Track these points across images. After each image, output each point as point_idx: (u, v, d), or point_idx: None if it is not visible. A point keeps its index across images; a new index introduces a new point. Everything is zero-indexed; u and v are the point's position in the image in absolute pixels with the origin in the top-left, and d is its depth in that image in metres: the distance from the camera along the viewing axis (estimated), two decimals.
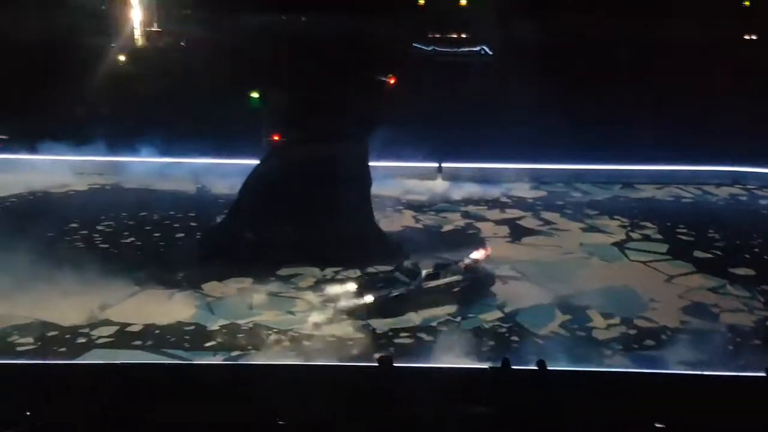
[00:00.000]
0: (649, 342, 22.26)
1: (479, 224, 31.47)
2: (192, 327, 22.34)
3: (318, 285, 25.07)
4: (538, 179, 36.59)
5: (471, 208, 33.30)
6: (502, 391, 16.14)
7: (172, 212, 31.59)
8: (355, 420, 15.11)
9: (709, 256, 28.58)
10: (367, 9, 40.85)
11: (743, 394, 17.19)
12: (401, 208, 33.06)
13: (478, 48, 45.77)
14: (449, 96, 38.48)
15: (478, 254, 25.11)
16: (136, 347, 21.26)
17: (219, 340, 21.76)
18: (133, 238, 28.92)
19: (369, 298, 23.28)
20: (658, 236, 30.46)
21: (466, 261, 24.76)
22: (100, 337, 21.68)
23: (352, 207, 27.10)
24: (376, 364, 17.12)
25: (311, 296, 24.34)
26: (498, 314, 23.65)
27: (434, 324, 22.93)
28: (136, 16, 37.86)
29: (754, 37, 50.21)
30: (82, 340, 21.49)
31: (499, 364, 16.85)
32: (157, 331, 22.02)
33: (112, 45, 37.91)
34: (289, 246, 25.92)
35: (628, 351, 21.71)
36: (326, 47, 40.57)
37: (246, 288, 24.75)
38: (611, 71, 41.57)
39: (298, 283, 25.18)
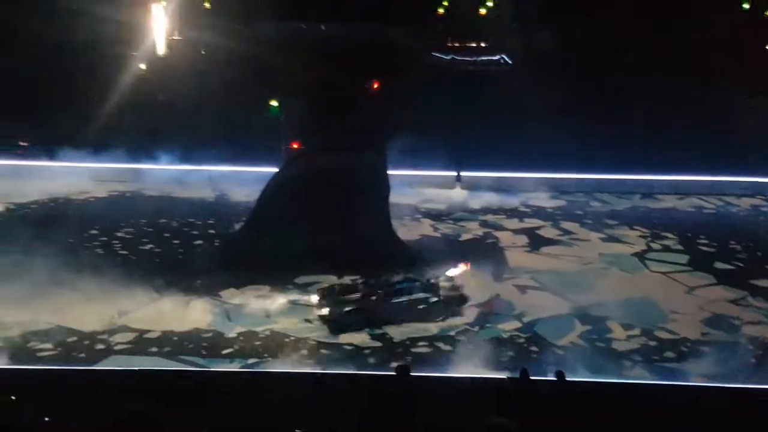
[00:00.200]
0: (669, 354, 22.02)
1: (498, 233, 31.32)
2: (209, 334, 22.35)
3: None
4: (557, 188, 36.38)
5: (489, 217, 33.17)
6: (520, 401, 16.02)
7: (191, 219, 31.68)
8: (372, 429, 15.04)
9: (731, 267, 28.28)
10: (386, 18, 40.92)
11: (765, 407, 16.97)
12: (419, 216, 32.98)
13: (497, 57, 45.65)
14: (468, 105, 38.35)
15: (456, 270, 24.59)
16: (154, 354, 21.29)
17: (236, 347, 21.76)
18: (152, 245, 29.01)
19: (325, 310, 23.00)
20: (679, 247, 30.18)
21: (442, 277, 24.29)
22: (118, 343, 21.74)
23: (370, 215, 27.08)
24: (393, 373, 17.05)
25: None
26: (516, 324, 23.49)
27: (452, 333, 22.81)
28: (157, 25, 38.04)
29: None
30: (100, 346, 21.56)
31: (517, 375, 16.74)
32: (174, 338, 22.05)
33: (133, 53, 38.12)
34: (307, 254, 25.89)
35: (648, 363, 21.50)
36: (345, 56, 40.62)
37: (264, 295, 24.69)
38: (632, 80, 41.26)
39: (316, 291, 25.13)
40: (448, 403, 16.38)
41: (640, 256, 29.23)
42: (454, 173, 36.37)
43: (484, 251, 29.17)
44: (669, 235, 31.36)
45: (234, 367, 20.67)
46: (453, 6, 45.56)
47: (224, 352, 21.49)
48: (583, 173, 36.48)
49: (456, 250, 28.79)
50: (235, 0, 39.22)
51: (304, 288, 25.23)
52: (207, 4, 40.02)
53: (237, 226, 29.66)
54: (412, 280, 23.84)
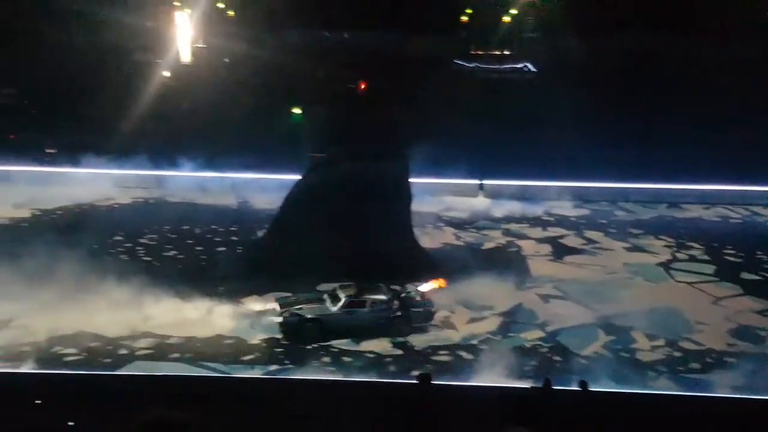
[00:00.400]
0: (694, 365, 21.79)
1: (520, 242, 31.16)
2: (231, 340, 22.40)
3: None
4: (581, 197, 36.13)
5: (512, 226, 33.00)
6: (543, 411, 15.88)
7: (213, 226, 31.82)
8: None
9: (757, 277, 27.98)
10: (409, 26, 40.95)
11: None
12: (442, 224, 32.87)
13: (521, 65, 45.52)
14: (491, 113, 38.27)
15: (428, 286, 24.31)
16: (176, 359, 21.36)
17: (258, 353, 21.77)
18: (175, 252, 29.17)
19: (279, 319, 22.88)
20: (705, 257, 29.89)
21: (413, 292, 24.05)
22: (141, 348, 21.85)
23: (392, 223, 27.04)
24: (415, 381, 16.98)
25: None
26: (540, 333, 23.35)
27: (474, 342, 22.70)
28: (181, 33, 38.33)
29: None
30: (123, 351, 21.67)
31: (540, 384, 16.62)
32: (196, 344, 22.10)
33: (157, 61, 38.43)
34: (329, 261, 25.87)
35: (673, 373, 21.28)
36: (368, 64, 40.71)
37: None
38: (657, 89, 41.01)
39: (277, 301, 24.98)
40: (469, 412, 16.28)
41: (666, 265, 28.96)
42: (477, 181, 36.24)
43: (506, 260, 29.05)
44: (695, 244, 31.07)
45: (255, 374, 20.67)
46: (476, 14, 45.51)
47: (245, 358, 21.51)
48: (607, 182, 36.17)
49: (478, 258, 28.67)
50: (259, 8, 39.44)
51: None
52: (231, 13, 40.28)
53: (259, 233, 29.71)
54: (378, 293, 23.42)
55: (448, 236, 31.66)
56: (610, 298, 25.76)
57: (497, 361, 21.01)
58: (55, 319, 22.69)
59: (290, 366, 21.13)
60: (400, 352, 22.07)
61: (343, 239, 26.02)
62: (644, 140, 37.30)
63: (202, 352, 21.71)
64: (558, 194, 35.86)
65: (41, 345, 21.70)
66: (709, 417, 17.36)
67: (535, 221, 33.70)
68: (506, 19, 46.18)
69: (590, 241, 31.52)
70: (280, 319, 22.83)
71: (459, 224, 33.05)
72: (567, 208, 35.24)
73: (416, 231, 28.23)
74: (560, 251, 30.29)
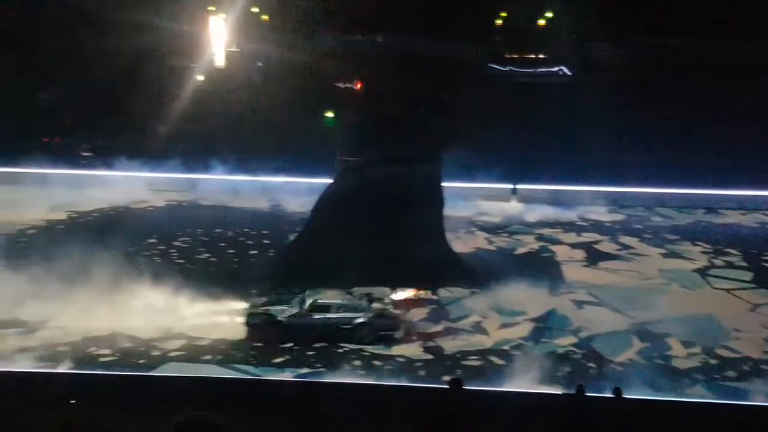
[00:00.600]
0: (731, 373, 21.41)
1: (554, 247, 30.89)
2: (262, 343, 22.44)
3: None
4: (616, 202, 35.75)
5: (546, 231, 32.72)
6: (576, 418, 15.70)
7: (246, 229, 31.97)
8: None
9: None
10: (443, 29, 40.85)
11: None
12: (474, 229, 32.71)
13: (556, 69, 45.18)
14: (525, 117, 38.04)
15: (401, 295, 24.01)
16: (208, 361, 21.46)
17: (288, 356, 21.80)
18: (208, 254, 29.35)
19: (242, 318, 22.93)
20: (742, 263, 29.40)
21: (386, 300, 23.77)
22: (173, 350, 21.99)
23: (424, 227, 26.94)
24: (446, 386, 16.88)
25: None
26: (573, 339, 23.11)
27: (506, 347, 22.52)
28: (215, 37, 38.65)
29: None
30: (156, 352, 21.83)
31: (573, 391, 16.44)
32: (228, 346, 22.20)
33: (191, 65, 38.78)
34: (361, 265, 25.86)
35: (709, 381, 20.93)
36: (401, 68, 40.70)
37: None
38: (693, 93, 40.48)
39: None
40: (501, 418, 16.14)
41: (702, 272, 28.54)
42: (510, 186, 36.03)
43: (539, 265, 28.82)
44: (732, 251, 30.57)
45: (287, 377, 20.69)
46: (511, 18, 45.29)
47: (276, 361, 21.54)
48: (643, 187, 35.74)
49: (511, 263, 28.49)
50: (293, 12, 39.63)
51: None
52: (265, 17, 40.52)
53: (291, 237, 29.79)
54: (346, 299, 23.29)
55: (481, 241, 31.49)
56: (645, 305, 25.41)
57: (529, 366, 20.81)
58: (90, 320, 22.96)
59: (322, 369, 21.11)
60: (430, 356, 21.96)
61: (375, 244, 25.99)
62: (681, 145, 36.79)
63: (233, 355, 21.80)
64: (592, 199, 35.52)
65: (77, 345, 21.96)
66: (746, 426, 17.03)
67: (569, 226, 33.39)
68: (541, 22, 45.87)
69: (625, 246, 31.16)
70: (244, 319, 22.95)
71: (492, 229, 32.87)
72: (602, 213, 34.88)
73: (448, 235, 28.08)
74: (595, 257, 29.97)
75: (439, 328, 23.76)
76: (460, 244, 29.81)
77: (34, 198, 33.64)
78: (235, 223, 32.51)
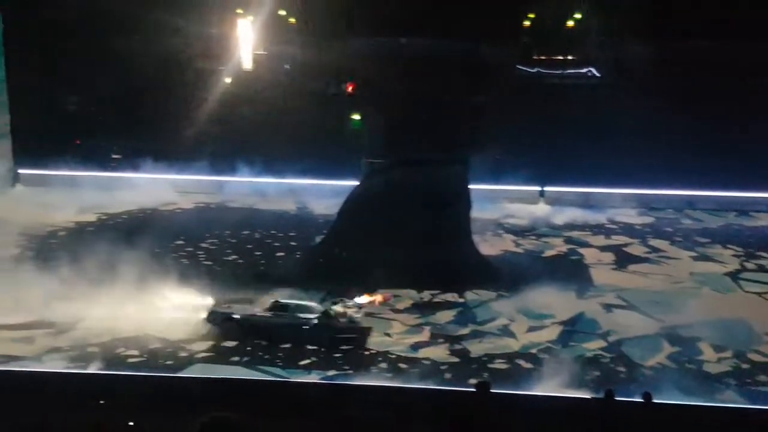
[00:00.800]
0: (763, 377, 21.00)
1: (582, 250, 30.60)
2: (289, 345, 22.45)
3: (415, 307, 24.92)
4: (645, 204, 35.38)
5: (574, 234, 32.45)
6: (605, 423, 15.52)
7: (273, 231, 32.08)
8: None
9: None
10: (470, 31, 40.64)
11: None
12: (501, 232, 32.53)
13: (585, 70, 44.80)
14: (554, 118, 37.76)
15: (366, 299, 23.77)
16: (235, 363, 21.54)
17: (315, 358, 21.80)
18: (235, 256, 29.48)
19: (203, 314, 22.97)
20: None
21: (350, 303, 23.51)
22: (200, 351, 22.08)
23: (451, 230, 26.85)
24: (473, 389, 16.77)
25: (408, 318, 24.18)
26: (602, 343, 22.85)
27: (533, 350, 22.34)
28: (243, 39, 38.85)
29: None
30: (184, 354, 21.94)
31: (602, 395, 16.26)
32: (255, 348, 22.24)
33: (219, 67, 39.04)
34: (388, 268, 25.83)
35: (740, 386, 20.55)
36: (428, 69, 40.56)
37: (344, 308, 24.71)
38: (726, 94, 39.89)
39: (395, 305, 25.04)
40: (529, 422, 16.01)
41: (734, 275, 28.12)
42: (538, 188, 35.78)
43: (567, 268, 28.59)
44: (764, 254, 30.09)
45: (313, 379, 20.69)
46: (539, 19, 44.95)
47: (303, 363, 21.56)
48: (673, 189, 35.32)
49: (538, 266, 28.29)
50: (320, 15, 39.68)
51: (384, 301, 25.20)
52: (292, 20, 40.64)
53: (318, 239, 29.82)
54: (307, 300, 23.23)
55: (508, 243, 31.29)
56: (675, 308, 25.05)
57: (557, 370, 20.61)
58: (118, 321, 23.16)
59: (348, 371, 21.08)
60: (456, 359, 21.84)
61: (401, 246, 25.95)
62: (712, 146, 36.27)
63: (260, 356, 21.84)
64: (622, 201, 35.18)
65: (105, 346, 22.14)
66: None
67: (598, 229, 33.09)
68: (570, 23, 45.50)
69: (655, 249, 30.81)
70: (204, 315, 23.04)
71: (519, 231, 32.65)
72: (631, 216, 34.52)
73: (475, 238, 27.97)
74: (624, 260, 29.65)
75: (465, 330, 23.61)
76: (487, 246, 29.63)
77: (64, 200, 34.06)
78: (262, 226, 32.63)
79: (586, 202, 35.24)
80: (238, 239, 31.14)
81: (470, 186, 27.80)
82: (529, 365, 21.49)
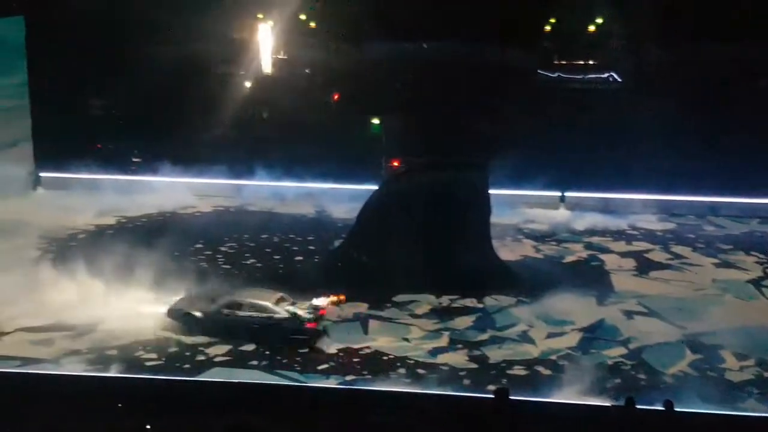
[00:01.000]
0: None
1: (603, 256, 30.36)
2: (307, 349, 22.42)
3: (433, 313, 24.81)
4: (667, 211, 35.03)
5: (595, 239, 32.20)
6: (625, 431, 15.35)
7: (291, 235, 32.09)
8: None
9: None
10: (491, 35, 40.55)
11: None
12: (521, 237, 32.35)
13: (606, 75, 44.56)
14: (575, 124, 37.57)
15: (322, 300, 23.55)
16: (253, 367, 21.52)
17: (333, 363, 21.74)
18: (254, 260, 29.49)
19: (163, 309, 23.23)
20: None
21: (306, 305, 23.29)
22: (218, 355, 22.09)
23: (470, 234, 26.73)
24: (492, 396, 16.64)
25: (426, 323, 24.08)
26: (622, 350, 22.64)
27: (553, 357, 22.15)
28: (263, 44, 38.99)
29: None
30: (201, 357, 21.95)
31: (623, 403, 16.09)
32: (273, 352, 22.21)
33: (239, 72, 39.21)
34: (407, 272, 25.75)
35: (762, 395, 20.29)
36: (448, 74, 40.51)
37: (362, 312, 24.70)
38: (748, 100, 39.51)
39: (414, 310, 24.95)
40: (547, 430, 15.89)
41: (756, 282, 27.78)
42: (558, 193, 35.56)
43: (588, 274, 28.37)
44: None
45: (331, 384, 20.62)
46: (560, 23, 44.76)
47: (321, 367, 21.49)
48: (695, 195, 34.97)
49: (558, 271, 28.09)
50: (340, 20, 39.78)
51: (403, 306, 25.14)
52: (312, 24, 40.77)
53: (336, 243, 29.79)
54: (262, 299, 23.12)
55: (528, 249, 31.10)
56: (697, 316, 24.82)
57: (577, 377, 20.43)
58: (138, 324, 23.27)
59: (367, 376, 20.99)
60: (474, 365, 21.70)
61: (421, 250, 25.87)
62: (735, 152, 35.90)
63: (278, 361, 21.80)
64: (643, 207, 34.88)
65: (124, 349, 22.20)
66: None
67: (619, 235, 32.81)
68: (591, 28, 45.28)
69: (677, 256, 30.51)
70: (164, 309, 23.34)
71: (539, 237, 32.45)
72: (652, 222, 34.19)
73: (495, 243, 27.83)
74: (645, 266, 29.38)
75: (484, 336, 23.46)
76: (507, 251, 29.50)
77: (84, 203, 34.28)
78: (281, 229, 32.64)
79: (606, 208, 34.97)
80: (256, 243, 31.15)
81: (491, 191, 27.66)
82: (548, 372, 21.32)
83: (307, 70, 40.62)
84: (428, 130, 36.73)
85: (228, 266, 28.67)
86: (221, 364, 21.65)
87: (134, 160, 38.51)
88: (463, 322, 24.31)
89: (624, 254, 30.60)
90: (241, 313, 22.85)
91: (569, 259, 30.25)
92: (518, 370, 21.46)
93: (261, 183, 36.71)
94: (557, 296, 25.29)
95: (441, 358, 22.00)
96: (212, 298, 23.47)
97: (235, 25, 39.30)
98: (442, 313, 24.75)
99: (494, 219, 28.02)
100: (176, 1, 37.17)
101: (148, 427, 16.62)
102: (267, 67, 39.16)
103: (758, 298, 26.68)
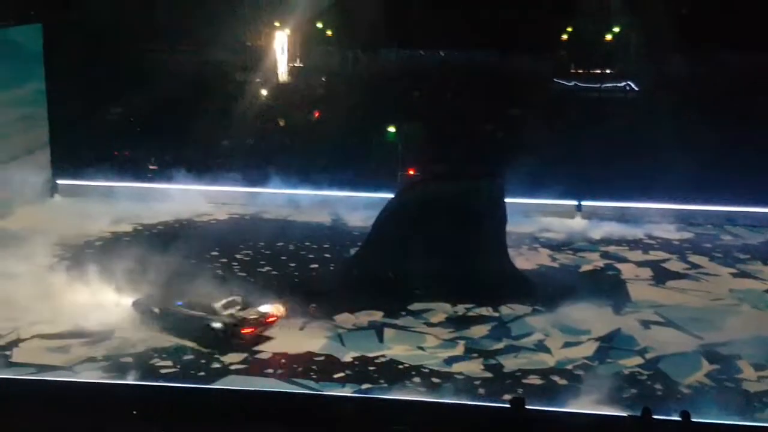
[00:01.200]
0: None
1: (619, 265, 30.17)
2: (322, 358, 22.41)
3: (449, 321, 24.75)
4: (684, 220, 34.80)
5: (611, 248, 32.00)
6: None
7: (307, 243, 32.10)
8: None
9: None
10: (507, 44, 40.61)
11: None
12: (537, 246, 32.22)
13: (623, 84, 44.48)
14: (591, 132, 37.46)
15: (268, 308, 23.51)
16: (268, 375, 21.51)
17: (348, 372, 21.70)
18: (269, 268, 29.53)
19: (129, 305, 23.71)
20: None
21: (250, 309, 23.27)
22: (233, 363, 22.08)
23: (486, 243, 26.66)
24: (507, 405, 16.56)
25: (442, 332, 24.01)
26: (639, 360, 22.47)
27: (568, 366, 22.02)
28: (280, 52, 39.22)
29: None
30: (216, 365, 21.97)
31: (639, 413, 15.96)
32: (288, 360, 22.21)
33: (257, 80, 39.41)
34: (422, 281, 25.72)
35: None
36: (465, 83, 40.62)
37: (377, 321, 24.67)
38: (766, 109, 39.32)
39: (429, 319, 24.90)
40: None
41: None
42: (575, 202, 35.44)
43: (604, 283, 28.22)
44: None
45: (346, 392, 20.57)
46: (576, 32, 44.79)
47: (336, 376, 21.47)
48: (713, 205, 34.74)
49: (574, 281, 27.96)
50: (357, 28, 39.96)
51: (418, 315, 25.08)
52: (329, 32, 40.97)
53: (352, 251, 29.79)
54: (208, 300, 23.27)
55: (544, 258, 30.96)
56: (714, 326, 24.62)
57: (593, 387, 20.33)
58: (153, 331, 23.35)
59: (383, 385, 20.94)
60: (489, 374, 21.61)
61: (436, 259, 25.82)
62: (753, 162, 35.68)
63: (293, 369, 21.79)
64: (660, 216, 34.67)
65: (140, 357, 22.26)
66: None
67: (636, 244, 32.60)
68: (608, 37, 45.24)
69: (694, 265, 30.28)
70: (131, 302, 23.90)
71: (555, 246, 32.29)
72: (670, 231, 33.95)
73: (511, 252, 27.74)
74: (662, 276, 29.17)
75: (500, 345, 23.37)
76: (523, 260, 29.41)
77: (101, 210, 34.45)
78: (296, 237, 32.68)
79: (623, 217, 34.78)
80: (272, 251, 31.19)
81: (507, 199, 27.61)
82: (564, 381, 21.19)
83: (323, 78, 40.81)
84: (444, 138, 36.75)
85: (243, 274, 28.70)
86: (236, 372, 21.64)
87: (151, 167, 38.74)
88: (479, 331, 24.22)
89: (641, 263, 30.42)
90: (189, 312, 23.16)
91: (585, 268, 30.10)
92: (534, 380, 21.34)
93: (277, 191, 36.76)
94: (573, 305, 25.18)
95: (456, 367, 21.91)
96: (173, 296, 23.77)
97: (252, 33, 39.55)
98: (458, 322, 24.67)
99: (510, 228, 27.97)
100: (193, 10, 37.46)
101: None
102: (283, 75, 39.34)
103: None
